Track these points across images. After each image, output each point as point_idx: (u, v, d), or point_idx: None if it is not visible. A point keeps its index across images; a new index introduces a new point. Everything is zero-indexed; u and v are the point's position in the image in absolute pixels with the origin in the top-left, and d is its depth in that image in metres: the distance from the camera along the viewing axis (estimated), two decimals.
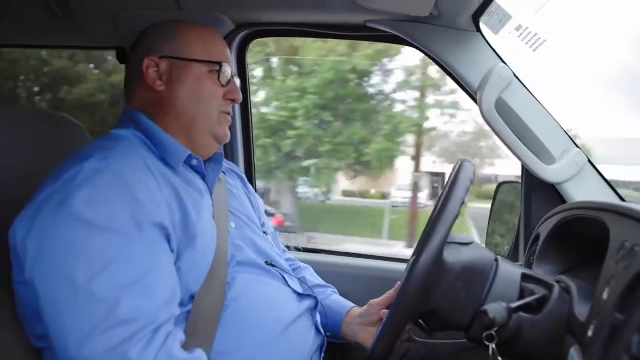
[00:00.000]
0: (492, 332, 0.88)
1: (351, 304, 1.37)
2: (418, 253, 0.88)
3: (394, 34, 1.48)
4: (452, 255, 0.94)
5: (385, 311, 1.22)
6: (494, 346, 0.89)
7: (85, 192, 0.89)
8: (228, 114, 1.17)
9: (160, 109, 1.11)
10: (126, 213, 0.90)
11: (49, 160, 1.06)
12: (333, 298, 1.39)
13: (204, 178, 1.15)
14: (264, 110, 9.45)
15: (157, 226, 0.93)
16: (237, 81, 1.20)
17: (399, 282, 1.00)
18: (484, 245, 1.64)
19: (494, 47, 1.44)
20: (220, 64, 1.13)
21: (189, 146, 1.11)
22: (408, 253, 1.35)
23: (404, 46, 1.55)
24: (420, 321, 0.99)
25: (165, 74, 1.11)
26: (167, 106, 1.11)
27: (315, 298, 1.22)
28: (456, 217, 0.89)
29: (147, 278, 0.88)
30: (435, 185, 12.56)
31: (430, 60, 1.47)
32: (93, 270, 0.85)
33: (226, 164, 1.37)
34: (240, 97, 1.19)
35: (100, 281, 0.85)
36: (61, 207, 0.88)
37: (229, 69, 1.15)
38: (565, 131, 1.39)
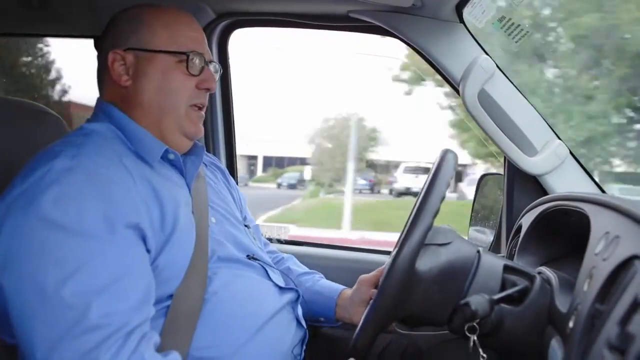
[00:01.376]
0: (474, 324, 0.88)
1: (341, 287, 1.37)
2: (393, 258, 0.88)
3: (377, 24, 1.47)
4: (428, 260, 0.93)
5: (374, 291, 1.21)
6: (475, 338, 0.89)
7: (54, 192, 0.86)
8: (200, 107, 1.12)
9: (129, 104, 1.07)
10: (98, 214, 0.87)
11: (23, 150, 1.03)
12: (321, 283, 1.39)
13: (182, 172, 1.11)
14: None
15: (131, 227, 0.90)
16: (215, 67, 1.16)
17: (388, 261, 0.99)
18: (467, 237, 1.65)
19: (476, 38, 1.43)
20: (187, 53, 1.07)
21: (162, 141, 1.07)
22: (392, 243, 1.34)
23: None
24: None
25: (131, 67, 1.06)
26: (135, 101, 1.06)
27: (297, 291, 1.21)
28: (433, 220, 0.88)
29: (119, 281, 0.85)
30: None
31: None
32: (62, 275, 0.82)
33: (207, 157, 1.34)
34: (214, 86, 1.13)
35: (70, 286, 0.81)
36: (29, 208, 0.85)
37: (199, 57, 1.09)
38: (547, 123, 1.40)
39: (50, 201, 0.85)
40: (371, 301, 0.97)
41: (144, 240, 0.93)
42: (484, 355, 0.89)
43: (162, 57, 1.06)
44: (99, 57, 1.13)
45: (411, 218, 0.93)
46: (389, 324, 0.98)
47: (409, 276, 0.87)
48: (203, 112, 1.14)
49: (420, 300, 0.93)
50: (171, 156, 1.08)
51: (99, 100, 1.11)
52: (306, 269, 1.45)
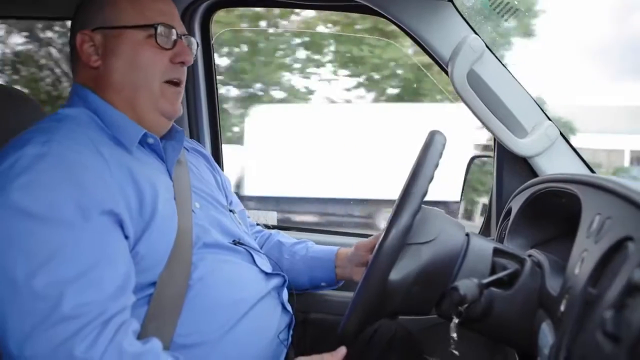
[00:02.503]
0: (461, 309, 0.87)
1: (335, 247, 1.38)
2: (370, 265, 0.89)
3: (364, 3, 1.43)
4: (407, 264, 0.91)
5: (371, 255, 1.21)
6: (455, 321, 0.89)
7: (25, 180, 0.83)
8: (177, 82, 1.08)
9: (101, 86, 1.04)
10: (70, 201, 0.84)
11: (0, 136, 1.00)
12: (315, 248, 1.40)
13: (162, 158, 1.08)
14: None
15: (106, 213, 0.88)
16: (190, 41, 1.12)
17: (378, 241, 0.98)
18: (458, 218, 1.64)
19: (465, 17, 1.40)
20: (154, 26, 1.03)
21: (139, 123, 1.03)
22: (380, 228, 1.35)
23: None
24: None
25: (100, 47, 1.03)
26: (106, 82, 1.03)
27: (283, 276, 1.20)
28: (417, 210, 0.88)
29: (94, 270, 0.83)
30: None
31: None
32: (34, 265, 0.79)
33: (188, 142, 1.31)
34: (191, 59, 1.09)
35: (41, 276, 0.79)
36: None
37: (171, 30, 1.05)
38: (537, 104, 1.38)
39: (20, 189, 0.82)
40: (354, 295, 0.97)
41: (121, 226, 0.90)
42: (455, 338, 0.89)
43: (129, 33, 1.03)
44: (70, 41, 1.09)
45: (397, 202, 0.91)
46: (374, 321, 1.00)
47: (382, 290, 0.89)
48: (181, 89, 1.10)
49: (401, 302, 0.93)
50: (150, 140, 1.05)
51: (73, 84, 1.07)
52: (296, 240, 1.45)
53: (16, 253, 0.80)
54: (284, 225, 1.84)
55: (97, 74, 1.04)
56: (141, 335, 0.90)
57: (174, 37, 1.06)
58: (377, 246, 0.91)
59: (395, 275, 0.90)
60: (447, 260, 0.93)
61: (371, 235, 1.34)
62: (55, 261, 0.81)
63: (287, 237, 1.46)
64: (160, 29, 1.03)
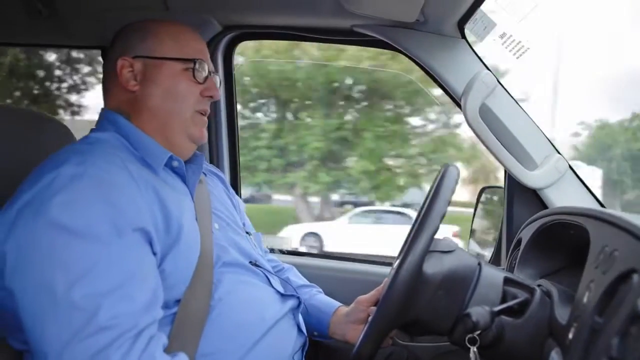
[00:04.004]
0: (475, 335, 0.89)
1: (338, 303, 1.37)
2: (398, 265, 0.88)
3: (380, 39, 1.49)
4: (433, 265, 0.94)
5: (373, 308, 1.22)
6: (475, 349, 0.90)
7: (62, 198, 0.88)
8: (204, 113, 1.16)
9: (136, 109, 1.10)
10: (105, 218, 0.89)
11: (29, 158, 1.05)
12: (319, 297, 1.40)
13: (184, 180, 1.13)
14: None
15: (138, 230, 0.92)
16: (217, 79, 1.19)
17: (386, 279, 1.00)
18: (467, 249, 1.66)
19: (478, 53, 1.46)
20: (194, 60, 1.12)
21: (167, 147, 1.09)
22: (394, 255, 1.36)
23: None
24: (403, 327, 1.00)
25: (139, 73, 1.10)
26: (142, 106, 1.10)
27: (298, 298, 1.22)
28: (438, 228, 0.89)
29: (127, 283, 0.87)
30: None
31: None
32: (72, 278, 0.84)
33: (206, 165, 1.36)
34: (219, 94, 1.18)
35: (79, 288, 0.83)
36: (38, 214, 0.86)
37: (205, 66, 1.13)
38: (547, 137, 1.42)
39: (58, 206, 0.87)
40: (375, 308, 0.97)
41: (150, 244, 0.94)
42: None
43: (169, 64, 1.10)
44: (105, 66, 1.16)
45: (412, 232, 0.94)
46: (393, 328, 0.97)
47: (417, 279, 0.88)
48: (206, 119, 1.18)
49: (427, 304, 0.93)
50: (175, 163, 1.10)
51: (103, 109, 1.13)
52: (305, 282, 1.46)
53: (55, 266, 0.84)
54: (297, 251, 1.86)
55: (133, 97, 1.10)
56: (166, 353, 0.92)
57: (206, 73, 1.14)
58: (399, 257, 0.91)
59: (428, 269, 0.92)
60: (466, 272, 0.95)
61: (388, 263, 1.35)
62: (91, 274, 0.85)
63: (297, 276, 1.47)
64: (198, 64, 1.12)
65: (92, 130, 1.11)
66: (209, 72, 1.15)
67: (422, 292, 0.92)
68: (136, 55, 1.10)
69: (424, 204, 0.99)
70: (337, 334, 1.32)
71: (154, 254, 0.95)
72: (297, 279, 1.46)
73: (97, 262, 0.86)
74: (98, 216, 0.89)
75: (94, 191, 0.90)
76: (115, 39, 1.16)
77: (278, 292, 1.18)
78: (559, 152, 1.40)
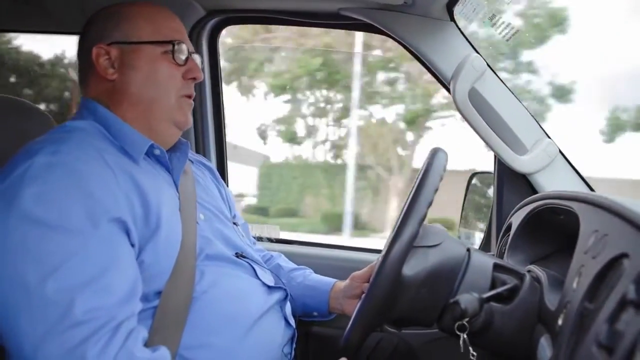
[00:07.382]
0: (464, 322, 0.88)
1: (333, 279, 1.38)
2: (380, 263, 0.88)
3: (368, 22, 1.46)
4: (415, 265, 0.93)
5: (367, 285, 1.22)
6: (465, 336, 0.89)
7: (35, 189, 0.85)
8: (189, 97, 1.12)
9: (116, 98, 1.06)
10: (80, 209, 0.86)
11: (10, 146, 1.02)
12: (313, 277, 1.40)
13: (168, 169, 1.10)
14: None
15: (114, 221, 0.89)
16: (197, 59, 1.15)
17: (378, 257, 0.99)
18: (457, 235, 1.65)
19: (467, 36, 1.43)
20: (172, 42, 1.08)
21: (149, 135, 1.06)
22: (382, 243, 1.35)
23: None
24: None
25: (116, 61, 1.06)
26: (122, 94, 1.06)
27: (285, 290, 1.21)
28: (424, 216, 0.88)
29: (104, 275, 0.85)
30: None
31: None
32: (45, 271, 0.81)
33: (193, 155, 1.33)
34: (201, 75, 1.13)
35: (52, 282, 0.81)
36: (10, 205, 0.84)
37: (183, 47, 1.09)
38: (537, 122, 1.40)
39: (31, 198, 0.84)
40: (359, 302, 0.97)
41: (127, 234, 0.92)
42: (474, 354, 0.89)
43: (147, 48, 1.06)
44: (80, 55, 1.12)
45: (398, 222, 0.93)
46: (378, 326, 0.98)
47: (395, 283, 0.88)
48: (192, 102, 1.14)
49: (409, 304, 0.93)
50: (157, 152, 1.07)
51: (82, 98, 1.10)
52: (296, 266, 1.45)
53: (28, 260, 0.82)
54: (286, 239, 1.85)
55: (112, 86, 1.06)
56: (147, 346, 0.91)
57: (186, 54, 1.10)
58: (385, 247, 0.91)
59: (408, 271, 0.91)
60: (452, 265, 0.94)
61: (377, 250, 1.35)
62: (65, 267, 0.82)
63: (287, 262, 1.46)
64: (177, 46, 1.08)
65: (70, 119, 1.07)
66: (189, 53, 1.11)
67: (402, 294, 0.92)
68: (111, 41, 1.06)
69: (411, 190, 0.97)
70: (336, 309, 1.33)
71: (132, 244, 0.93)
72: (287, 264, 1.45)
73: (72, 255, 0.83)
74: (72, 207, 0.86)
75: (68, 181, 0.87)
76: (87, 25, 1.11)
77: (264, 284, 1.16)
78: (549, 137, 1.39)
